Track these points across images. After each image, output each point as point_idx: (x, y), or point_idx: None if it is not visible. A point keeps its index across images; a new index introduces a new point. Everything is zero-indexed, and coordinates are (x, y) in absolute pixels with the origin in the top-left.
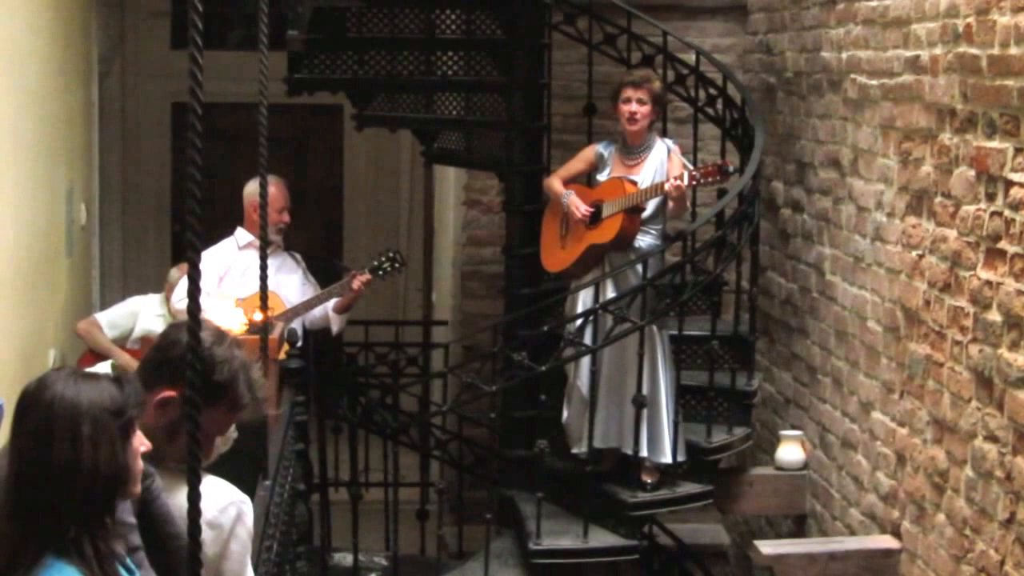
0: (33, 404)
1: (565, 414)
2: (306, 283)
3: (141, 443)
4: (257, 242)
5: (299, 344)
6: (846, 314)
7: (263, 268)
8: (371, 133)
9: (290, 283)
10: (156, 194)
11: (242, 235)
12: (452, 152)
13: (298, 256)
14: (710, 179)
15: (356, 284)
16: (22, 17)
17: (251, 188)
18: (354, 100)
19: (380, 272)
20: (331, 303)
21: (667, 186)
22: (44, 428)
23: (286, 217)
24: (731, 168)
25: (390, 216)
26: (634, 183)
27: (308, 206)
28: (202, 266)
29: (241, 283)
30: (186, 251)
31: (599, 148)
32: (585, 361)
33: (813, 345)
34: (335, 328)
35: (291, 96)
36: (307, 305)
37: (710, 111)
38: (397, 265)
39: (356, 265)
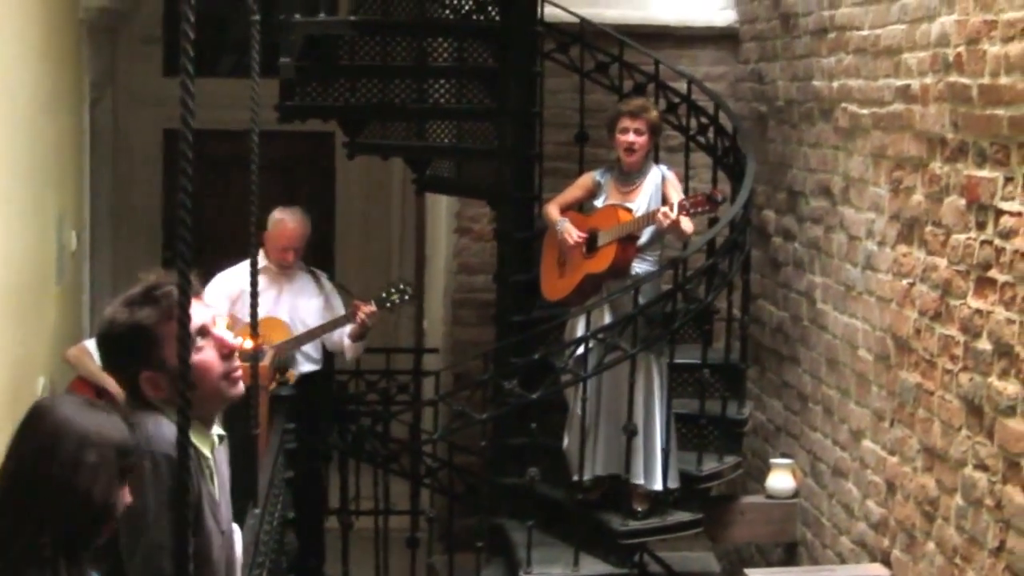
0: (43, 419)
1: (566, 441)
2: (328, 307)
3: (126, 496)
4: (271, 267)
5: (290, 371)
6: (837, 342)
7: (253, 296)
8: (363, 161)
9: (309, 307)
10: (147, 221)
11: (260, 258)
12: (444, 180)
13: (323, 277)
14: (699, 209)
15: (359, 316)
16: (14, 43)
17: (272, 217)
18: (346, 128)
19: (387, 304)
20: (347, 329)
21: (658, 215)
22: (50, 444)
23: (290, 257)
24: (720, 198)
25: (382, 244)
26: (629, 211)
27: None
28: (213, 288)
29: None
30: (177, 277)
31: (596, 175)
32: (581, 389)
33: (804, 373)
34: (348, 356)
35: (283, 123)
36: (310, 334)
37: (702, 139)
38: (406, 298)
39: (363, 295)
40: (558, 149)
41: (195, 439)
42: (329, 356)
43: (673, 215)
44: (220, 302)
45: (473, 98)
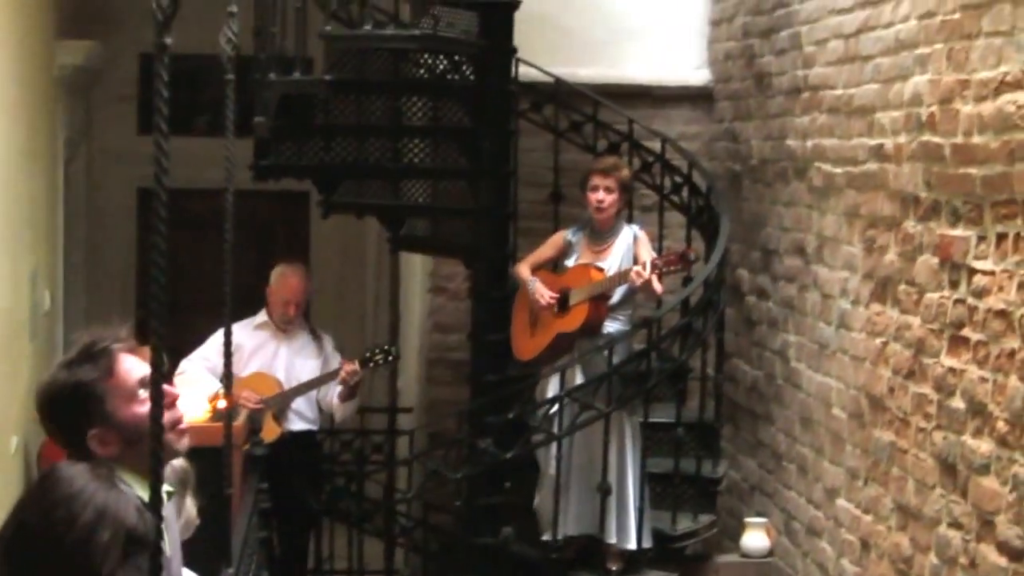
0: (61, 485)
1: (537, 500)
2: (325, 369)
3: None
4: (272, 323)
5: (277, 427)
6: (811, 401)
7: (227, 356)
8: (337, 220)
9: (306, 367)
10: (121, 280)
11: (261, 315)
12: (419, 238)
13: (326, 339)
14: (673, 267)
15: (343, 374)
16: None
17: (275, 272)
18: (320, 186)
19: (370, 364)
20: (336, 391)
21: (631, 274)
22: (65, 513)
23: (292, 310)
24: (693, 256)
25: (356, 302)
26: (601, 270)
27: None
28: (212, 342)
29: (247, 362)
30: (151, 337)
31: (567, 235)
32: (554, 448)
33: (778, 432)
34: (338, 416)
35: (257, 182)
36: (296, 391)
37: (675, 199)
38: (390, 359)
39: (346, 354)
40: (533, 208)
41: (143, 494)
42: (321, 414)
43: (646, 274)
44: (216, 356)
45: (448, 157)
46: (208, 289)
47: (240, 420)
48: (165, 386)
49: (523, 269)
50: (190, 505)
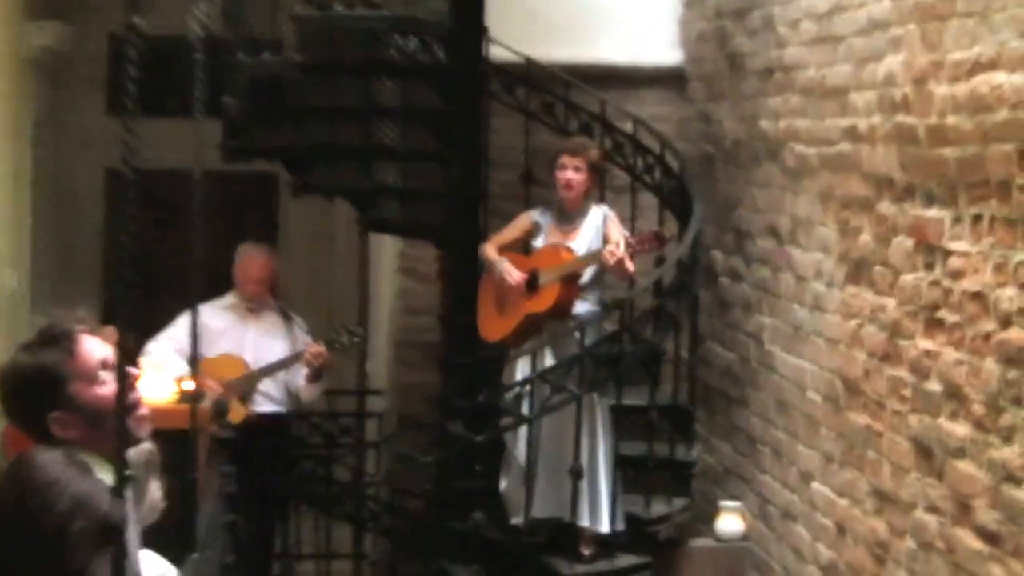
0: (36, 473)
1: (503, 484)
2: (295, 351)
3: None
4: (240, 304)
5: (244, 410)
6: (786, 384)
7: (194, 338)
8: (307, 201)
9: (273, 348)
10: (89, 262)
11: (230, 296)
12: (389, 220)
13: (297, 321)
14: (646, 247)
15: (307, 356)
16: None
17: (239, 252)
18: (290, 168)
19: (336, 345)
20: (303, 373)
21: (604, 254)
22: (41, 502)
23: (257, 290)
24: (667, 236)
25: (325, 284)
26: (570, 250)
27: None
28: (180, 324)
29: (215, 343)
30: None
31: (535, 215)
32: (524, 431)
33: (753, 415)
34: (304, 398)
35: (227, 164)
36: (262, 372)
37: (648, 179)
38: (356, 340)
39: (316, 337)
40: (503, 189)
41: (106, 477)
42: (290, 398)
43: (620, 252)
44: (184, 337)
45: (419, 138)
46: (176, 271)
47: (206, 402)
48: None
49: (490, 249)
50: (154, 488)
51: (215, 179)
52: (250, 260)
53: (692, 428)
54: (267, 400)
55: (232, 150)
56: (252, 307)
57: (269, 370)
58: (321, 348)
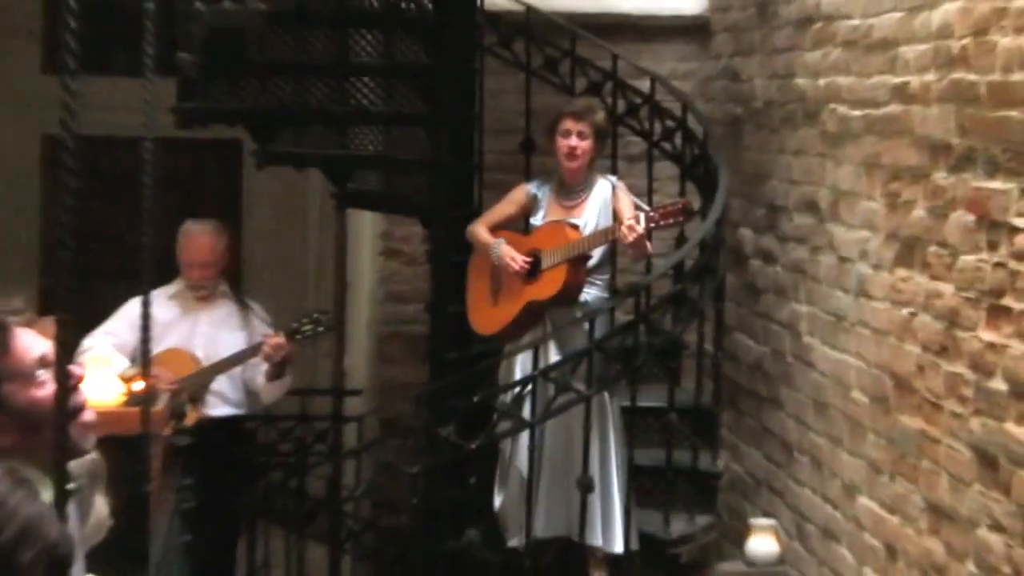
0: None
1: (498, 501)
2: (253, 343)
3: None
4: (188, 292)
5: (194, 413)
6: (826, 382)
7: (144, 330)
8: (275, 172)
9: (231, 341)
10: (24, 241)
11: (176, 283)
12: (369, 194)
13: (255, 309)
14: (670, 220)
15: (266, 349)
16: None
17: (180, 231)
18: (255, 133)
19: (298, 335)
20: (263, 369)
21: (622, 229)
22: None
23: (201, 275)
24: (695, 207)
25: (296, 268)
26: (576, 228)
27: None
28: (121, 316)
29: (162, 337)
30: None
31: (531, 188)
32: (524, 437)
33: (788, 418)
34: (265, 398)
35: (182, 129)
36: (214, 369)
37: (667, 146)
38: (320, 328)
39: (276, 328)
40: (501, 159)
41: (44, 491)
42: (248, 396)
43: (640, 228)
44: (125, 331)
45: (403, 100)
46: (124, 253)
47: (161, 404)
48: (69, 366)
49: (480, 230)
50: (100, 504)
51: (169, 147)
52: (194, 240)
53: (717, 433)
54: (221, 401)
55: (188, 113)
56: (201, 295)
57: (223, 366)
58: (281, 339)
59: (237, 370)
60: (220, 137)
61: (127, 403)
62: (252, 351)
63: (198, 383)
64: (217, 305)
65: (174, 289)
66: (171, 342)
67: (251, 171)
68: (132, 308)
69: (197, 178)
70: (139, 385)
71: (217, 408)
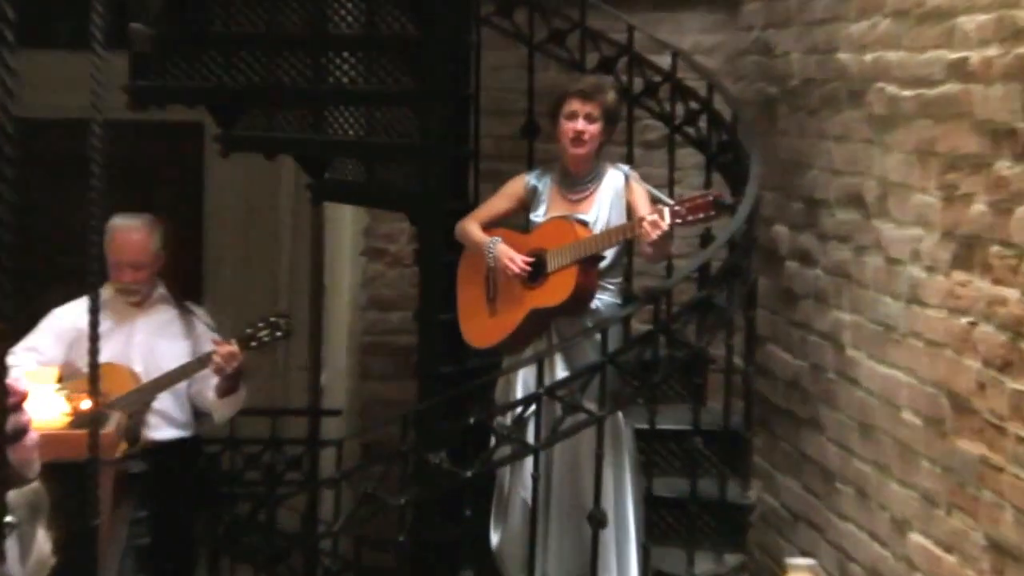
0: None
1: (496, 537)
2: (198, 353)
3: None
4: (119, 298)
5: (140, 442)
6: (873, 401)
7: (93, 339)
8: (241, 160)
9: (173, 352)
10: None
11: (108, 288)
12: (349, 185)
13: (198, 314)
14: (699, 215)
15: (216, 360)
16: None
17: (107, 227)
18: (219, 116)
19: (253, 343)
20: (212, 383)
21: (643, 226)
22: None
23: (132, 276)
24: (728, 200)
25: (265, 269)
26: (586, 224)
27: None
28: (45, 328)
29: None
30: None
31: (530, 179)
32: (527, 465)
33: (829, 443)
34: (217, 417)
35: (136, 110)
36: (156, 386)
37: (690, 131)
38: (278, 334)
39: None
40: (500, 145)
41: None
42: (198, 417)
43: (665, 224)
44: (51, 347)
45: (387, 77)
46: (69, 251)
47: (111, 426)
48: (10, 381)
49: (473, 228)
50: (42, 539)
51: (121, 130)
52: (124, 238)
53: (748, 460)
54: (165, 422)
55: (142, 93)
56: (135, 300)
57: (167, 381)
58: (234, 347)
59: (182, 386)
60: (179, 120)
61: (73, 424)
62: (200, 363)
63: (139, 401)
64: (154, 311)
65: (104, 296)
66: (104, 356)
67: (215, 159)
68: (56, 320)
69: (153, 167)
70: (86, 403)
71: (161, 430)
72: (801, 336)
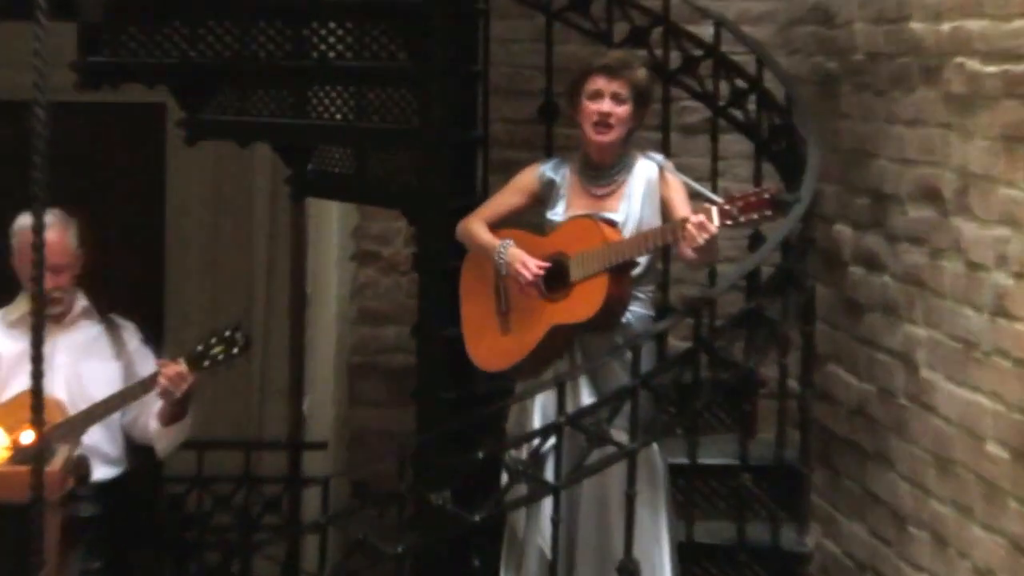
0: None
1: None
2: (132, 376)
3: None
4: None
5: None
6: (952, 431)
7: (36, 360)
8: (209, 148)
9: (103, 374)
10: None
11: (14, 306)
12: (335, 178)
13: (128, 329)
14: (753, 215)
15: (162, 381)
16: None
17: (14, 226)
18: (183, 97)
19: (205, 361)
20: (155, 409)
21: (689, 228)
22: None
23: (61, 280)
24: (789, 197)
25: (238, 276)
26: (614, 225)
27: (113, 258)
28: None
29: (8, 379)
30: None
31: (545, 171)
32: (546, 507)
33: (900, 480)
34: (160, 448)
35: (86, 90)
36: (88, 417)
37: (736, 114)
38: (234, 351)
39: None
40: (514, 130)
41: None
42: (137, 452)
43: (713, 226)
44: None
45: (381, 51)
46: (4, 253)
47: (57, 462)
48: None
49: (479, 228)
50: None
51: (69, 113)
52: (30, 238)
53: (806, 500)
54: (99, 460)
55: (93, 70)
56: (55, 312)
57: (101, 410)
58: (182, 367)
59: (115, 416)
60: (137, 101)
61: (13, 460)
62: (144, 387)
63: (67, 436)
64: (76, 328)
65: (16, 313)
66: (21, 383)
67: (178, 147)
68: None
69: (108, 157)
70: (28, 436)
71: (95, 470)
72: (867, 355)
